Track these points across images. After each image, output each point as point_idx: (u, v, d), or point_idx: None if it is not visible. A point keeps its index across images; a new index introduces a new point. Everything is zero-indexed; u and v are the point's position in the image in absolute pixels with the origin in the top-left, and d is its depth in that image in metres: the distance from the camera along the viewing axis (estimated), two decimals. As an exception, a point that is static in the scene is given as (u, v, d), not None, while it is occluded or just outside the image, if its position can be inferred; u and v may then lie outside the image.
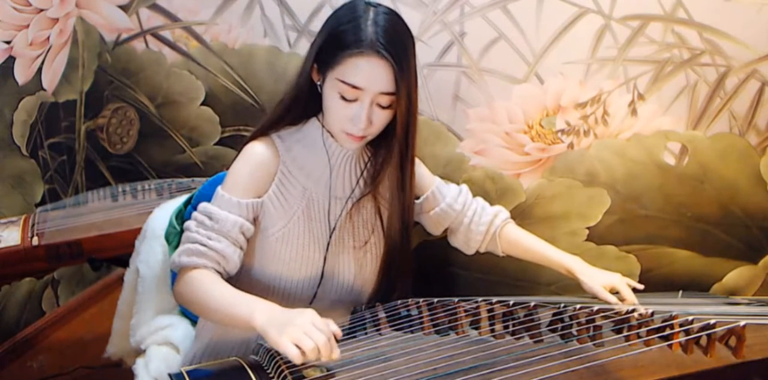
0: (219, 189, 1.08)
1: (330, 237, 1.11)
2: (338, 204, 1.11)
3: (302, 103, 1.07)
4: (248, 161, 1.07)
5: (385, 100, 0.99)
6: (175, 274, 1.09)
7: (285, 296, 1.12)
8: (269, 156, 1.07)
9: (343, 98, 0.98)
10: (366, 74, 0.96)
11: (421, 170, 1.22)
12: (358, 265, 1.14)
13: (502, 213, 1.27)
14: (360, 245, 1.13)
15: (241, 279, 1.14)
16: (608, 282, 1.15)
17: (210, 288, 1.00)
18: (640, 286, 1.17)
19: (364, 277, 1.16)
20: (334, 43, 0.98)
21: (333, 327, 0.89)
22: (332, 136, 1.08)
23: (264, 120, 1.10)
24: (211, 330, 1.15)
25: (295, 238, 1.08)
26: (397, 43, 0.97)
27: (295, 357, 0.84)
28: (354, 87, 0.97)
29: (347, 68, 0.96)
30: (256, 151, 1.07)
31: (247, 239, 1.08)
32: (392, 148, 1.06)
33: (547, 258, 1.22)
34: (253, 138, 1.10)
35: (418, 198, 1.23)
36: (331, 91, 1.00)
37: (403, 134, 1.04)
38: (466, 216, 1.24)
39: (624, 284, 1.15)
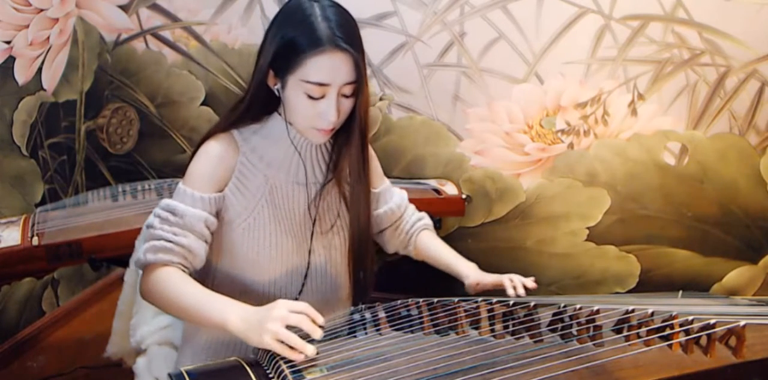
0: (180, 185, 1.09)
1: (313, 223, 1.13)
2: (302, 191, 1.13)
3: (257, 109, 1.10)
4: (208, 156, 1.08)
5: (349, 90, 1.02)
6: None
7: (269, 290, 1.13)
8: (228, 149, 1.09)
9: (310, 97, 1.01)
10: (330, 70, 0.98)
11: (376, 163, 1.24)
12: (327, 250, 1.16)
13: (423, 219, 1.31)
14: (325, 230, 1.15)
15: (219, 277, 1.14)
16: (492, 280, 1.16)
17: (180, 287, 0.99)
18: (532, 285, 1.15)
19: (336, 262, 1.18)
20: (291, 47, 0.99)
21: (311, 310, 0.90)
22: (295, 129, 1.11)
23: (220, 122, 1.12)
24: (203, 331, 1.16)
25: (262, 227, 1.09)
26: (351, 34, 1.00)
27: (287, 353, 0.85)
28: (320, 84, 0.99)
29: (310, 68, 0.98)
30: (215, 144, 1.09)
31: (211, 233, 1.09)
32: (353, 131, 1.09)
33: (447, 265, 1.23)
34: (210, 135, 1.11)
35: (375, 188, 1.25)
36: (295, 93, 1.01)
37: (364, 116, 1.08)
38: (399, 221, 1.29)
39: (507, 279, 1.15)
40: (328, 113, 1.01)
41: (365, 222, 1.16)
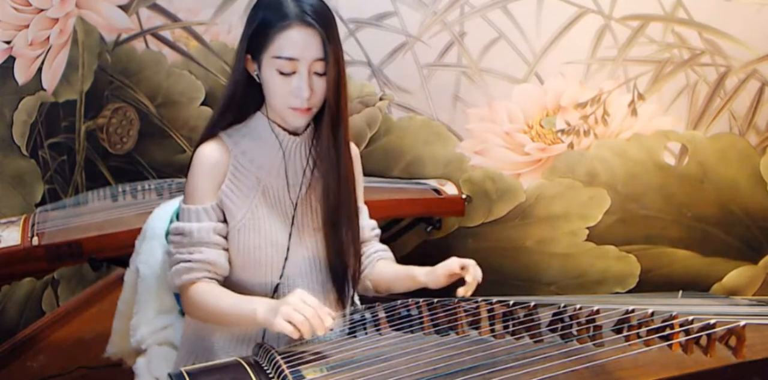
0: (181, 204, 1.13)
1: (292, 221, 1.14)
2: (293, 190, 1.15)
3: (241, 98, 1.12)
4: (201, 166, 1.11)
5: (320, 67, 1.05)
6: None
7: (267, 288, 1.14)
8: (219, 155, 1.11)
9: (282, 73, 1.04)
10: (298, 44, 1.03)
11: (360, 181, 1.25)
12: (317, 245, 1.17)
13: (388, 251, 1.27)
14: (319, 226, 1.17)
15: None
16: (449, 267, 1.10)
17: (213, 299, 1.07)
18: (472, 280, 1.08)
19: (326, 257, 1.18)
20: (262, 27, 1.04)
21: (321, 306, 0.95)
22: (279, 125, 1.12)
23: (208, 122, 1.15)
24: (203, 331, 1.17)
25: (258, 227, 1.12)
26: (320, 13, 1.04)
27: (290, 332, 0.91)
28: (290, 59, 1.03)
29: (279, 44, 1.03)
30: (206, 153, 1.12)
31: (225, 237, 1.12)
32: (324, 112, 1.10)
33: (406, 273, 1.17)
34: (201, 141, 1.14)
35: None
36: (269, 71, 1.05)
37: (333, 97, 1.08)
38: (365, 244, 1.25)
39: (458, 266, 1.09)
40: (301, 89, 1.03)
41: (340, 205, 1.13)
